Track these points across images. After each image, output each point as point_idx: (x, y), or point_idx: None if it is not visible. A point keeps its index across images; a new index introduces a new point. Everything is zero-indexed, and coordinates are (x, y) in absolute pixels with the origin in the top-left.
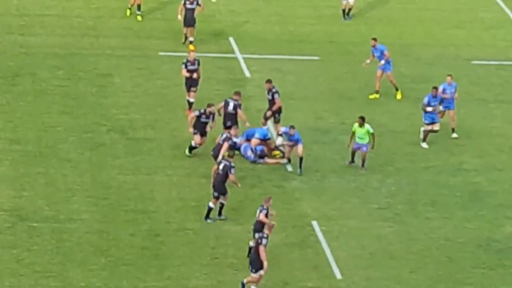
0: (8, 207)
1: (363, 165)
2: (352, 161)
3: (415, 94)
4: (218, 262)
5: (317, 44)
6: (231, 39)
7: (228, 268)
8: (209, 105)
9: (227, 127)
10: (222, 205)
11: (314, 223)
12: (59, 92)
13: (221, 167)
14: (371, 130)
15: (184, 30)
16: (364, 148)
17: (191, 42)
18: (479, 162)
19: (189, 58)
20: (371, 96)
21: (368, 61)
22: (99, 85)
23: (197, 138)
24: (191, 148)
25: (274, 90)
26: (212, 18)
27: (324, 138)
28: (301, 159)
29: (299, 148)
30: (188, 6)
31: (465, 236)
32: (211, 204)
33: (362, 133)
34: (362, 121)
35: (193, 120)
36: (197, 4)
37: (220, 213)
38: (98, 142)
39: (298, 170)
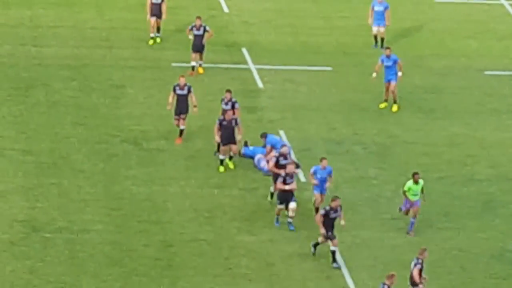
0: (22, 218)
1: (413, 224)
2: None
3: (428, 104)
4: (232, 273)
5: (329, 55)
6: (244, 50)
7: (241, 279)
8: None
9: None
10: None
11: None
12: (72, 103)
13: None
14: (422, 183)
15: (193, 56)
16: (418, 203)
17: (200, 65)
18: (492, 173)
19: (179, 83)
20: (394, 108)
21: (374, 74)
22: (112, 96)
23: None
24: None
25: (233, 100)
26: (225, 29)
27: (337, 149)
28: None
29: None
30: (196, 32)
31: (478, 246)
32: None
33: (417, 189)
34: (418, 177)
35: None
36: (205, 30)
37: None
38: (111, 153)
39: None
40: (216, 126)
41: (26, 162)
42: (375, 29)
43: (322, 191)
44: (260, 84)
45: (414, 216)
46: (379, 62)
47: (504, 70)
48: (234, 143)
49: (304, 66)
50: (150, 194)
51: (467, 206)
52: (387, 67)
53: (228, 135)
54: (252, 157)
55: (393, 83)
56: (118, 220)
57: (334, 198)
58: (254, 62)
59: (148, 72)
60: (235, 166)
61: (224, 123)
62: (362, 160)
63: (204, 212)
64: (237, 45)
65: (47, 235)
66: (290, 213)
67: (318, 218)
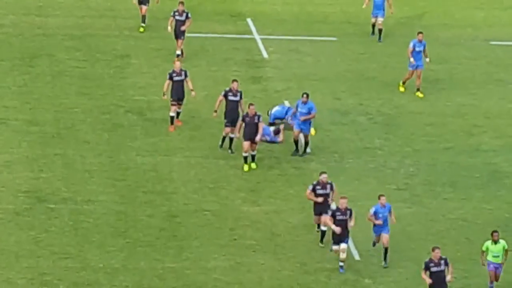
0: (26, 189)
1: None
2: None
3: (433, 75)
4: (237, 243)
5: (335, 25)
6: (249, 20)
7: (246, 249)
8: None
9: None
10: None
11: (332, 204)
12: (77, 73)
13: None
14: (507, 246)
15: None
16: (500, 269)
17: (177, 56)
18: (498, 143)
19: (174, 69)
20: (420, 95)
21: (412, 59)
22: (116, 66)
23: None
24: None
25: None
26: None
27: (343, 119)
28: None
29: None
30: (177, 17)
31: (483, 217)
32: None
33: (497, 250)
34: (497, 236)
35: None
36: (187, 17)
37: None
38: (116, 124)
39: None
40: (239, 122)
41: (31, 132)
42: (373, 19)
43: (383, 231)
44: (265, 54)
45: (493, 281)
46: (411, 47)
47: (510, 40)
48: (255, 142)
49: (309, 36)
50: (155, 165)
51: (473, 177)
52: (417, 52)
53: (250, 131)
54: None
55: (420, 69)
56: (123, 191)
57: (342, 197)
58: (259, 32)
59: (152, 42)
60: (256, 165)
61: (247, 119)
62: (367, 131)
63: (209, 183)
64: (242, 15)
65: (52, 205)
66: (341, 255)
67: (328, 220)
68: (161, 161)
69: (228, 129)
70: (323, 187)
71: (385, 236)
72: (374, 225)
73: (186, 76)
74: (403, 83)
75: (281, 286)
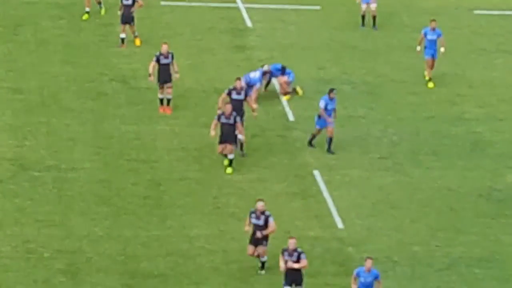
0: (10, 157)
1: None
2: None
3: (416, 43)
4: (220, 212)
5: None
6: None
7: (230, 218)
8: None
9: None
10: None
11: (316, 172)
12: (61, 41)
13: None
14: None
15: (122, 28)
16: None
17: (136, 37)
18: (481, 112)
19: (162, 51)
20: (430, 85)
21: (418, 48)
22: (101, 35)
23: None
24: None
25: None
26: None
27: (326, 88)
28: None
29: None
30: (125, 2)
31: (466, 185)
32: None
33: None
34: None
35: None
36: (134, 0)
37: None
38: (100, 92)
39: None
40: (214, 121)
41: (15, 100)
42: (364, 7)
43: None
44: (249, 23)
45: None
46: (422, 35)
47: (493, 10)
48: (233, 142)
49: (293, 5)
50: (139, 133)
51: (456, 146)
52: (430, 41)
53: (228, 132)
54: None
55: (433, 59)
56: (107, 159)
57: (290, 237)
58: (243, 1)
59: (137, 10)
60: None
61: (223, 119)
62: (351, 99)
63: (193, 151)
64: None
65: (36, 173)
66: None
67: (280, 258)
68: (145, 129)
69: None
70: (258, 216)
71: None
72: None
73: (172, 58)
74: (430, 79)
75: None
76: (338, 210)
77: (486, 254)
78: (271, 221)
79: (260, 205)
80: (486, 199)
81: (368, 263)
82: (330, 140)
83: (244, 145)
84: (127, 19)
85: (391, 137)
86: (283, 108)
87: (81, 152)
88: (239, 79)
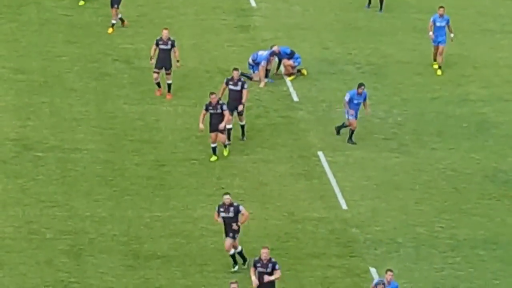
0: (13, 137)
1: None
2: None
3: (422, 24)
4: (224, 192)
5: None
6: None
7: (234, 198)
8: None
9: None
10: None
11: (320, 153)
12: (64, 21)
13: None
14: None
15: (113, 11)
16: None
17: (112, 25)
18: (486, 93)
19: (162, 37)
20: (439, 72)
21: (431, 33)
22: (104, 15)
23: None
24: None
25: (242, 80)
26: None
27: (330, 69)
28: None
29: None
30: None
31: (471, 167)
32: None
33: None
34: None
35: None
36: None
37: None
38: (103, 72)
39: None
40: (202, 112)
41: (18, 80)
42: None
43: None
44: (253, 3)
45: None
46: (431, 22)
47: None
48: (221, 131)
49: None
50: (143, 113)
51: (461, 127)
52: (439, 28)
53: (216, 121)
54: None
55: (442, 46)
56: (110, 139)
57: (264, 247)
58: None
59: None
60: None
61: (211, 109)
62: (355, 80)
63: (196, 132)
64: None
65: (39, 153)
66: None
67: (251, 271)
68: (149, 109)
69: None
70: (226, 210)
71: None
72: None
73: (173, 46)
74: (434, 60)
75: (268, 235)
76: (342, 191)
77: (491, 236)
78: (242, 209)
79: (226, 198)
80: (491, 181)
81: (389, 275)
82: (352, 132)
83: (245, 129)
84: (116, 2)
85: (395, 118)
86: (288, 88)
87: (84, 132)
88: (236, 69)
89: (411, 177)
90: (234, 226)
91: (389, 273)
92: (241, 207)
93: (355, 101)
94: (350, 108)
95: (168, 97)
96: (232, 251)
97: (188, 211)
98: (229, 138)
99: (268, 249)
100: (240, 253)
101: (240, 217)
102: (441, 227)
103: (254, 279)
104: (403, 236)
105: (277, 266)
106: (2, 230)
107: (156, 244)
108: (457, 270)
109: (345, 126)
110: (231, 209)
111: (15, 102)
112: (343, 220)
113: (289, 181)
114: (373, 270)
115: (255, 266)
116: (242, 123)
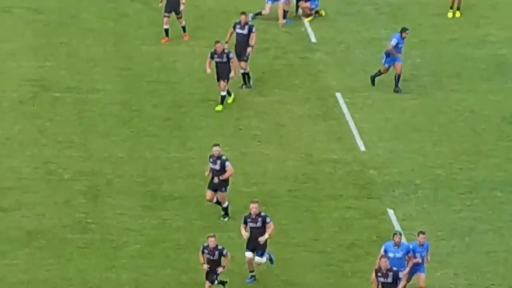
0: (31, 77)
1: None
2: None
3: None
4: (241, 134)
5: None
6: None
7: (251, 140)
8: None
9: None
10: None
11: (338, 94)
12: None
13: None
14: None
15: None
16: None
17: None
18: (505, 34)
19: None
20: (457, 14)
21: None
22: None
23: None
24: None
25: (250, 23)
26: None
27: (348, 10)
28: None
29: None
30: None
31: (489, 108)
32: None
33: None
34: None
35: None
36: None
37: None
38: (121, 12)
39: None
40: (208, 59)
41: (35, 21)
42: None
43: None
44: None
45: None
46: None
47: None
48: (226, 79)
49: None
50: (160, 54)
51: (479, 68)
52: None
53: (221, 71)
54: None
55: None
56: (128, 80)
57: (252, 202)
58: None
59: None
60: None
61: (216, 57)
62: (373, 21)
63: (214, 73)
64: None
65: (56, 94)
66: (251, 266)
67: (241, 226)
68: (166, 50)
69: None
70: (214, 161)
71: (421, 276)
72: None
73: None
74: (451, 8)
75: (286, 176)
76: (360, 133)
77: (509, 177)
78: (227, 165)
79: (215, 149)
80: (509, 122)
81: (421, 238)
82: (398, 77)
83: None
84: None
85: (414, 59)
86: (305, 29)
87: (102, 73)
88: (243, 13)
89: (429, 119)
90: (215, 179)
91: (421, 235)
92: (227, 163)
93: (400, 45)
94: (397, 52)
95: (185, 38)
96: (215, 199)
97: (206, 152)
98: (245, 82)
99: (258, 203)
100: (226, 208)
101: (225, 173)
102: (459, 168)
103: (245, 233)
104: (421, 178)
105: (267, 219)
106: (20, 171)
107: (173, 185)
108: (475, 212)
109: (380, 74)
110: (218, 161)
111: (32, 43)
112: (361, 162)
113: (307, 122)
114: (390, 212)
115: (245, 223)
116: (246, 71)
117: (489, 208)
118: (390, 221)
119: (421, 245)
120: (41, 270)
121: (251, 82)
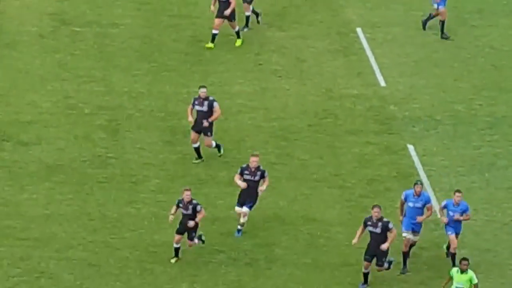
0: (51, 11)
1: None
2: None
3: None
4: (262, 68)
5: None
6: None
7: (271, 75)
8: None
9: None
10: None
11: (359, 30)
12: None
13: None
14: (476, 281)
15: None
16: None
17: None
18: None
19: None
20: None
21: None
22: None
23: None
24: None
25: None
26: None
27: None
28: None
29: None
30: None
31: (510, 44)
32: None
33: (463, 280)
34: (466, 265)
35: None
36: None
37: None
38: None
39: None
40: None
41: None
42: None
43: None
44: None
45: None
46: None
47: None
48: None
49: None
50: None
51: (500, 3)
52: None
53: (222, 8)
54: None
55: None
56: (148, 14)
57: (253, 155)
58: None
59: None
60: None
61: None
62: None
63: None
64: None
65: (77, 28)
66: (241, 219)
67: (236, 177)
68: None
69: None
70: (200, 103)
71: (452, 239)
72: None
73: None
74: None
75: (306, 111)
76: (380, 68)
77: None
78: (215, 105)
79: (202, 91)
80: None
81: (457, 197)
82: (443, 23)
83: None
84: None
85: None
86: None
87: (122, 7)
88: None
89: (450, 54)
90: (204, 123)
91: (457, 194)
92: (215, 103)
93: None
94: None
95: None
96: (198, 143)
97: (226, 87)
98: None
99: (258, 156)
100: (217, 146)
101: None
102: (479, 104)
103: (241, 183)
104: (441, 114)
105: (265, 174)
106: (40, 105)
107: None
108: (494, 148)
109: (433, 17)
110: (206, 103)
111: None
112: (381, 97)
113: (327, 57)
114: (410, 148)
115: (241, 173)
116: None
117: (509, 143)
118: (410, 156)
119: (457, 204)
120: (61, 205)
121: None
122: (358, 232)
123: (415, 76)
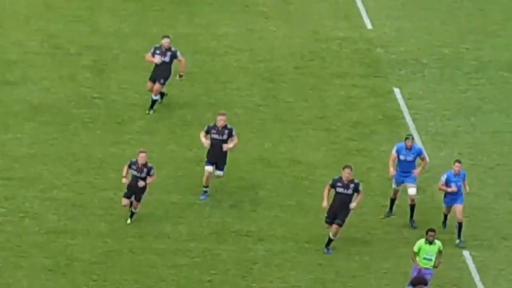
0: None
1: None
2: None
3: None
4: (249, 10)
5: None
6: None
7: (258, 16)
8: None
9: None
10: None
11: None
12: None
13: None
14: (442, 247)
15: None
16: (429, 276)
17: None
18: None
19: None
20: None
21: None
22: None
23: None
24: None
25: None
26: None
27: None
28: None
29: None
30: None
31: None
32: None
33: (431, 252)
34: (432, 236)
35: None
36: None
37: None
38: None
39: None
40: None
41: None
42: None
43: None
44: None
45: None
46: None
47: None
48: None
49: None
50: None
51: None
52: None
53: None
54: None
55: None
56: None
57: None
58: None
59: None
60: None
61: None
62: None
63: None
64: None
65: None
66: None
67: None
68: None
69: None
70: (163, 53)
71: (458, 208)
72: (445, 195)
73: (172, 57)
74: None
75: (292, 53)
76: (367, 11)
77: None
78: (179, 55)
79: (164, 41)
80: None
81: (457, 166)
82: None
83: None
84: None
85: None
86: None
87: None
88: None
89: None
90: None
91: (457, 164)
92: (179, 53)
93: None
94: None
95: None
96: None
97: (213, 28)
98: None
99: (225, 115)
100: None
101: (180, 65)
102: (466, 48)
103: (205, 141)
104: (427, 57)
105: (233, 132)
106: (25, 44)
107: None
108: (481, 92)
109: None
110: (168, 54)
111: None
112: (367, 40)
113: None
114: (396, 91)
115: (208, 132)
116: None
117: (495, 88)
118: (396, 99)
119: (457, 174)
120: (45, 145)
121: None
122: (326, 194)
123: (402, 19)
